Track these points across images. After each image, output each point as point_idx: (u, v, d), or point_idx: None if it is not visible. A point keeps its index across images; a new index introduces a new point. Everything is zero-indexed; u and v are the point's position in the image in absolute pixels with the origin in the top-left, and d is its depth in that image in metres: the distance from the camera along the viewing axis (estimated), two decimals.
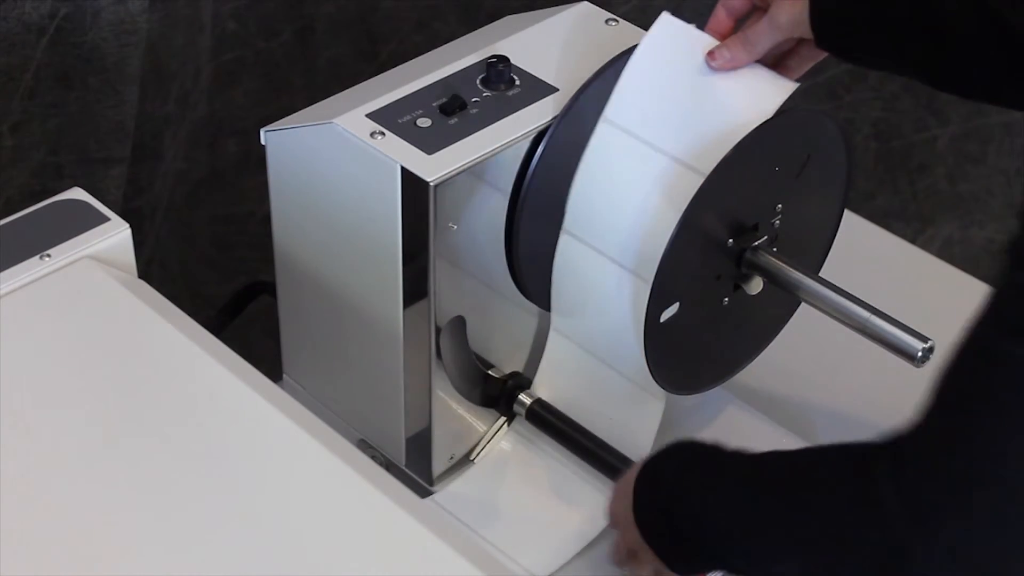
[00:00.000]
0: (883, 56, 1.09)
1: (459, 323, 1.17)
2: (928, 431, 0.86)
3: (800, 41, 1.11)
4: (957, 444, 0.84)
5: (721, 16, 1.12)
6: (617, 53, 1.12)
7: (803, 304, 1.17)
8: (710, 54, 1.09)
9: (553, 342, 1.18)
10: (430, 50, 1.22)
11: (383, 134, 1.09)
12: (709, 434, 1.25)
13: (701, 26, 1.12)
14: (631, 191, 1.09)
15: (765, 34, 1.09)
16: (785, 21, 1.08)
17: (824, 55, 1.10)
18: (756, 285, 1.16)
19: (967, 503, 0.83)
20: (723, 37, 1.11)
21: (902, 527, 0.84)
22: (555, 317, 1.17)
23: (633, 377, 1.14)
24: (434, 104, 1.12)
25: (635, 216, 1.09)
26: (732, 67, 1.09)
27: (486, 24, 1.25)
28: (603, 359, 1.15)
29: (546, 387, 1.20)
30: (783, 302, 1.20)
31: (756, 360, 1.21)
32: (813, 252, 1.22)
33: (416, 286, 1.12)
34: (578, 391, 1.18)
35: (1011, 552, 0.84)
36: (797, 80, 1.11)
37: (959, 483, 0.83)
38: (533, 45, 1.18)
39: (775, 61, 1.12)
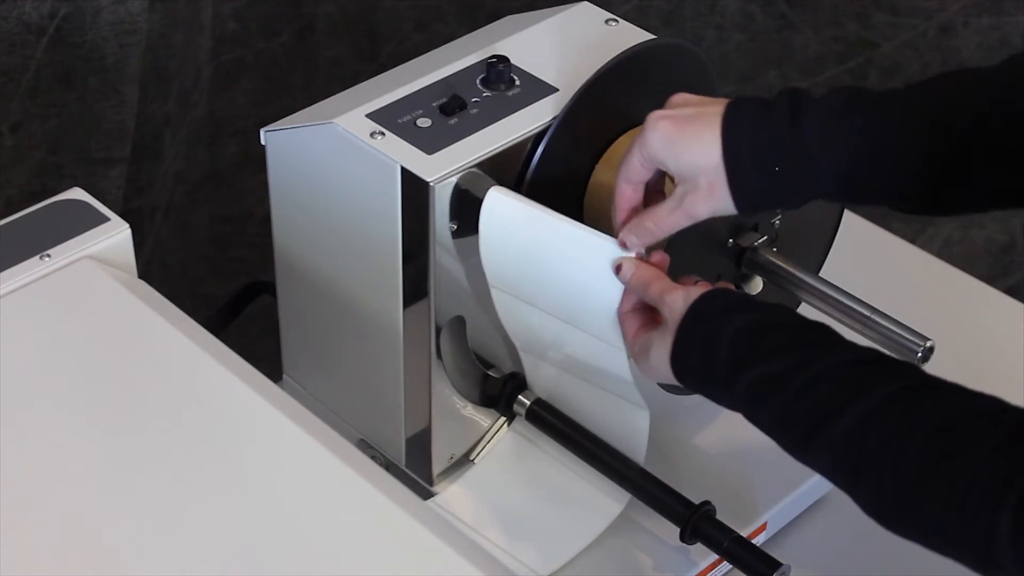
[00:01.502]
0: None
1: (459, 323, 1.17)
2: None
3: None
4: None
5: (627, 192, 1.05)
6: (617, 53, 1.12)
7: (803, 304, 1.17)
8: (622, 243, 1.03)
9: (526, 360, 1.18)
10: (430, 50, 1.22)
11: (383, 134, 1.09)
12: (709, 434, 1.25)
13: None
14: (545, 338, 1.12)
15: (673, 222, 1.02)
16: (703, 213, 1.01)
17: None
18: (756, 285, 1.16)
19: None
20: (635, 209, 1.05)
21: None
22: (515, 341, 1.17)
23: (615, 391, 1.14)
24: (434, 104, 1.12)
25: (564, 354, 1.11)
26: (643, 247, 1.04)
27: (486, 24, 1.25)
28: (580, 377, 1.15)
29: (538, 388, 1.20)
30: (783, 302, 1.20)
31: None
32: (813, 252, 1.22)
33: (416, 286, 1.12)
34: (565, 397, 1.18)
35: None
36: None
37: None
38: (533, 45, 1.18)
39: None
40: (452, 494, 1.20)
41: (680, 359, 0.99)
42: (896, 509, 0.88)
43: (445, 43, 1.23)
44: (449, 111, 1.11)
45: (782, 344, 0.94)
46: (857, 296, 1.12)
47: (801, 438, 0.92)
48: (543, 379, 1.18)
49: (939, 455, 0.85)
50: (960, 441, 0.85)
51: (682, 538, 1.13)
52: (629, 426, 1.15)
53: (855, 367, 0.91)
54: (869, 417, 0.88)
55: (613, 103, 1.13)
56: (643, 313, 1.05)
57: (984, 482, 0.82)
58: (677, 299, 0.99)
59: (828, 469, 0.92)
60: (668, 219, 1.02)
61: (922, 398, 0.88)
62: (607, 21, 1.21)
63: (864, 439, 0.88)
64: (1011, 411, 0.85)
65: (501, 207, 1.07)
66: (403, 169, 1.07)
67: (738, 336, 0.96)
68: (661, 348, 1.00)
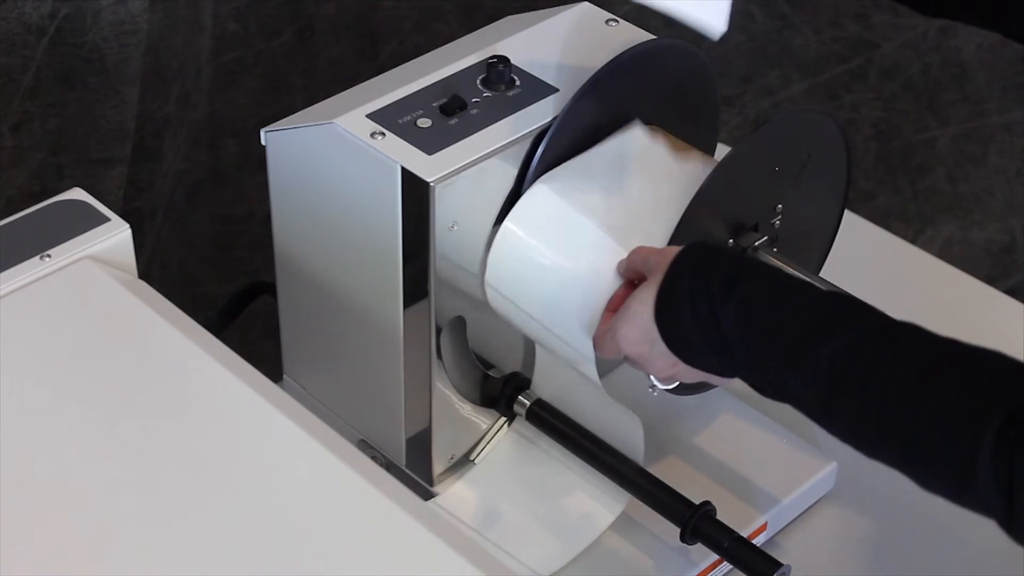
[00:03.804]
0: None
1: (459, 323, 1.17)
2: None
3: None
4: None
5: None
6: (617, 53, 1.12)
7: None
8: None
9: (539, 351, 1.19)
10: (430, 50, 1.22)
11: (383, 134, 1.09)
12: (709, 434, 1.26)
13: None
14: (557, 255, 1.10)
15: None
16: None
17: None
18: None
19: None
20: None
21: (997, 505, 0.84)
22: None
23: (612, 394, 1.14)
24: (434, 104, 1.12)
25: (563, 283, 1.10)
26: None
27: (486, 24, 1.25)
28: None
29: (544, 388, 1.20)
30: None
31: None
32: (813, 252, 1.22)
33: (416, 286, 1.12)
34: (572, 395, 1.18)
35: None
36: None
37: None
38: (533, 45, 1.18)
39: None
40: (452, 494, 1.20)
41: (670, 286, 0.98)
42: (876, 428, 0.89)
43: (445, 43, 1.23)
44: (449, 111, 1.11)
45: (778, 272, 0.97)
46: (857, 296, 1.12)
47: (786, 356, 0.92)
48: (552, 367, 1.18)
49: (929, 376, 0.87)
50: (951, 366, 0.87)
51: (682, 538, 1.13)
52: (626, 430, 1.16)
53: (848, 299, 0.94)
54: (863, 337, 0.90)
55: (613, 103, 1.13)
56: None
57: (972, 403, 0.84)
58: (670, 251, 1.01)
59: (809, 388, 0.92)
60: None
61: (915, 329, 0.90)
62: (607, 21, 1.21)
63: (855, 357, 0.89)
64: (1000, 353, 0.87)
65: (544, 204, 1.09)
66: (403, 169, 1.07)
67: (735, 260, 0.98)
68: (646, 292, 1.00)
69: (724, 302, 0.95)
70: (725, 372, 0.99)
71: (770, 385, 0.95)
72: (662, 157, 1.12)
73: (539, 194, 1.10)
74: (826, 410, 0.91)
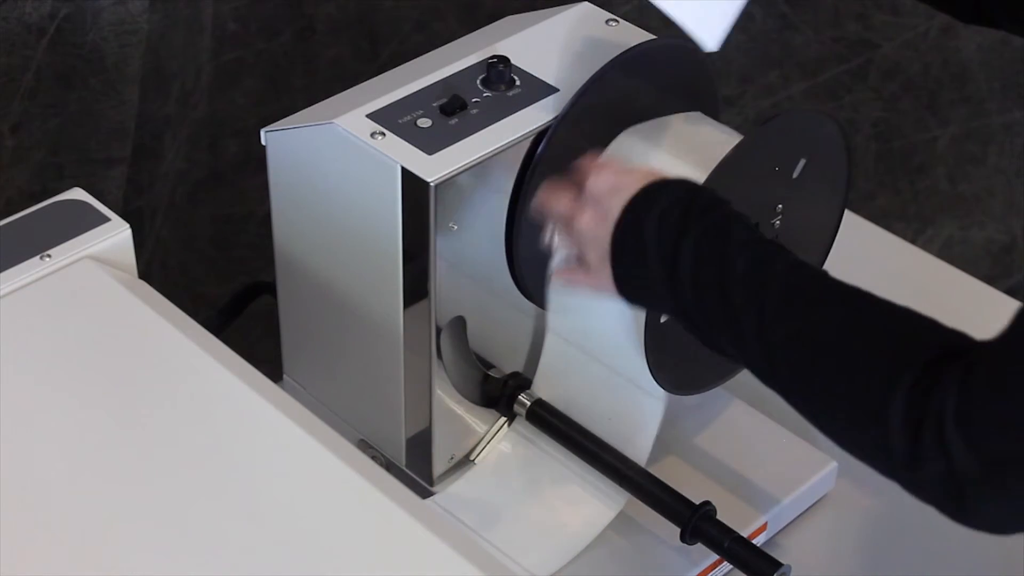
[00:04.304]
0: None
1: (459, 323, 1.17)
2: (1005, 356, 0.85)
3: None
4: None
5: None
6: (617, 53, 1.12)
7: None
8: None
9: (550, 343, 1.18)
10: (430, 50, 1.22)
11: (383, 134, 1.09)
12: (709, 434, 1.26)
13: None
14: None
15: None
16: None
17: None
18: None
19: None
20: None
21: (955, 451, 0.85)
22: (551, 317, 1.17)
23: (632, 377, 1.14)
24: (434, 104, 1.12)
25: None
26: None
27: (486, 24, 1.25)
28: (601, 360, 1.15)
29: (546, 387, 1.20)
30: None
31: None
32: (813, 252, 1.22)
33: (416, 286, 1.12)
34: (577, 391, 1.18)
35: None
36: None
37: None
38: (533, 45, 1.18)
39: None
40: (452, 494, 1.20)
41: (651, 191, 0.99)
42: (800, 370, 0.92)
43: (445, 43, 1.23)
44: (449, 111, 1.11)
45: (744, 219, 0.99)
46: None
47: (746, 270, 0.95)
48: (560, 361, 1.18)
49: (853, 324, 0.91)
50: (877, 316, 0.92)
51: (682, 538, 1.13)
52: (641, 415, 1.15)
53: (784, 250, 0.97)
54: (794, 284, 0.93)
55: (613, 103, 1.13)
56: None
57: (891, 350, 0.88)
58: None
59: (742, 324, 0.94)
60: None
61: (858, 290, 0.94)
62: (607, 21, 1.21)
63: (785, 303, 0.93)
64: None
65: None
66: (403, 169, 1.07)
67: (720, 200, 0.99)
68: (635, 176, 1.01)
69: (693, 227, 0.97)
70: (654, 289, 0.99)
71: (703, 321, 0.97)
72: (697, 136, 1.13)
73: (626, 145, 1.11)
74: (753, 338, 0.93)
